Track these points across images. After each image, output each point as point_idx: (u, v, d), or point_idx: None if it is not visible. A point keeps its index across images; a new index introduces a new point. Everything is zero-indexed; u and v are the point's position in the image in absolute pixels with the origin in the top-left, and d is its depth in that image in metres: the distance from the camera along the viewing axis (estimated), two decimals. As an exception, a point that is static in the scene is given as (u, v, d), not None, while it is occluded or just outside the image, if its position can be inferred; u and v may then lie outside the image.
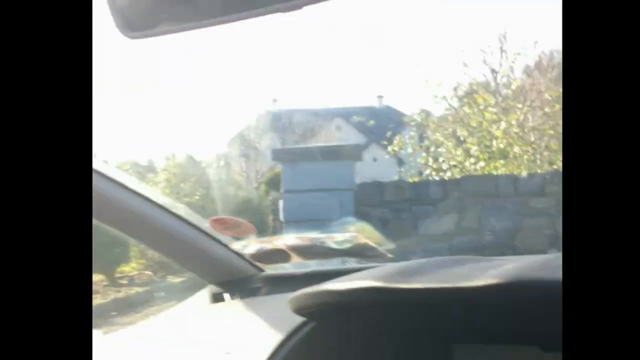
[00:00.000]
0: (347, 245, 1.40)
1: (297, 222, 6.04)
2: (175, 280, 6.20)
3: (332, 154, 6.02)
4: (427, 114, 8.91)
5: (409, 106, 9.93)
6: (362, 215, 5.93)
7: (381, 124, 11.20)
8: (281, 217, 6.22)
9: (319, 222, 5.98)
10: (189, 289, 1.35)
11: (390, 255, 1.44)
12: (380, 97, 20.66)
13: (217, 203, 7.78)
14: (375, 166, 14.80)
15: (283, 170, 6.13)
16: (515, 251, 5.40)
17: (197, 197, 7.77)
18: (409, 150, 8.42)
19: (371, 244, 1.45)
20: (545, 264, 0.71)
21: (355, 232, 1.53)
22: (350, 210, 5.93)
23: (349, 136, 18.98)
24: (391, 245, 1.80)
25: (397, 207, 5.94)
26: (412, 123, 8.80)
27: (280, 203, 6.24)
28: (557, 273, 0.60)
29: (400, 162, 10.73)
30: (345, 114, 17.45)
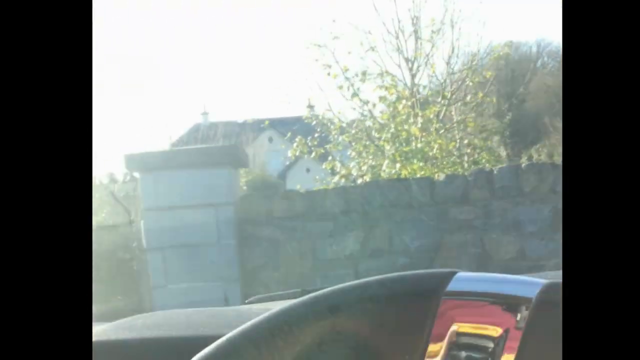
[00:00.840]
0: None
1: (163, 248, 4.69)
2: None
3: (205, 158, 4.66)
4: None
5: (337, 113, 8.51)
6: (246, 237, 4.65)
7: (312, 134, 10.06)
8: (143, 242, 4.84)
9: (192, 247, 4.43)
10: None
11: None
12: (311, 106, 19.76)
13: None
14: (308, 177, 13.73)
15: (141, 181, 4.73)
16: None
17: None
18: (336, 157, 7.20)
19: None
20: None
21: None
22: (231, 231, 4.60)
23: (281, 147, 18.10)
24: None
25: (290, 225, 4.65)
26: (334, 128, 7.59)
27: (142, 224, 4.83)
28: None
29: (334, 171, 9.67)
30: (277, 125, 16.41)
